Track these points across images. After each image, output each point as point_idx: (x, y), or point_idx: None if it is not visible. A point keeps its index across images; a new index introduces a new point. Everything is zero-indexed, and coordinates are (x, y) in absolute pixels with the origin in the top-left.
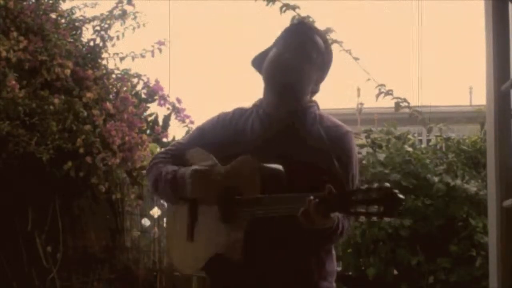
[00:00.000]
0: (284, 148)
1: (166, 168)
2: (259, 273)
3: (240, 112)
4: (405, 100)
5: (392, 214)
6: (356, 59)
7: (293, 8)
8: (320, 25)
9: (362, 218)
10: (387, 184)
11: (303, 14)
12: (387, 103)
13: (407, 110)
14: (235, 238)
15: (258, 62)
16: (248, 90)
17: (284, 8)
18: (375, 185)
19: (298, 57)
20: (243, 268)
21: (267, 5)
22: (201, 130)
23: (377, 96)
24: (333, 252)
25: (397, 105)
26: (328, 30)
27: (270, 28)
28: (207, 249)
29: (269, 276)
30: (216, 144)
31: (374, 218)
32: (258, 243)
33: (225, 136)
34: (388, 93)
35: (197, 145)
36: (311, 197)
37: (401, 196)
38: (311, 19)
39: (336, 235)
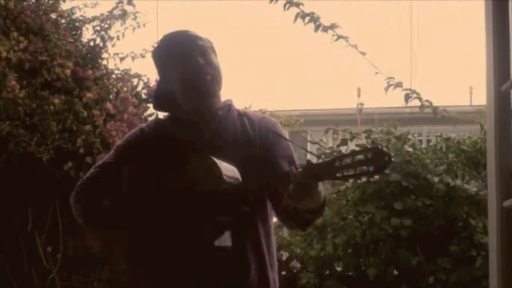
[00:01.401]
0: (220, 149)
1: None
2: (208, 269)
3: (162, 122)
4: (414, 92)
5: (382, 170)
6: (363, 53)
7: (297, 5)
8: (324, 21)
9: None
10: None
11: (306, 10)
12: (388, 102)
13: (416, 101)
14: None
15: (165, 100)
16: (248, 90)
17: (287, 5)
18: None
19: (185, 56)
20: (192, 264)
21: (271, 2)
22: (124, 147)
23: (386, 89)
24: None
25: (407, 97)
26: (333, 26)
27: (273, 26)
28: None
29: (220, 272)
30: (145, 158)
31: (364, 179)
32: (209, 237)
33: (155, 147)
34: (398, 85)
35: (125, 161)
36: (296, 168)
37: (387, 151)
38: (315, 16)
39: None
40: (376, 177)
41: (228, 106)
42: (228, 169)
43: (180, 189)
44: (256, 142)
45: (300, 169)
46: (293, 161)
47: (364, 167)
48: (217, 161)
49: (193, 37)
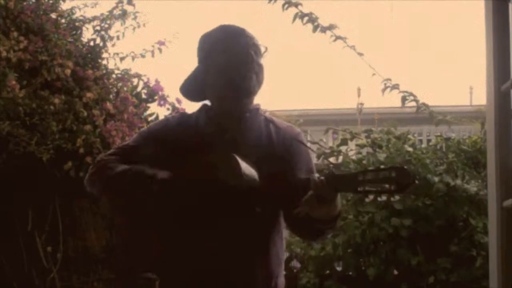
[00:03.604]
0: (242, 151)
1: (123, 167)
2: (218, 271)
3: (188, 116)
4: (411, 94)
5: (404, 190)
6: (360, 54)
7: (296, 5)
8: (322, 21)
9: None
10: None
11: (305, 11)
12: (388, 102)
13: (413, 104)
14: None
15: (187, 88)
16: None
17: (286, 6)
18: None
19: (245, 57)
20: (203, 264)
21: (269, 2)
22: (147, 133)
23: (383, 90)
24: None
25: (403, 99)
26: (332, 27)
27: (272, 26)
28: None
29: (231, 274)
30: (167, 146)
31: (384, 197)
32: (222, 239)
33: (177, 138)
34: (395, 87)
35: (145, 147)
36: (318, 176)
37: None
38: (313, 16)
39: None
40: (397, 197)
41: (256, 110)
42: (248, 169)
43: (199, 181)
44: (278, 149)
45: (322, 178)
46: (312, 173)
47: (386, 185)
48: (239, 159)
49: (249, 34)
